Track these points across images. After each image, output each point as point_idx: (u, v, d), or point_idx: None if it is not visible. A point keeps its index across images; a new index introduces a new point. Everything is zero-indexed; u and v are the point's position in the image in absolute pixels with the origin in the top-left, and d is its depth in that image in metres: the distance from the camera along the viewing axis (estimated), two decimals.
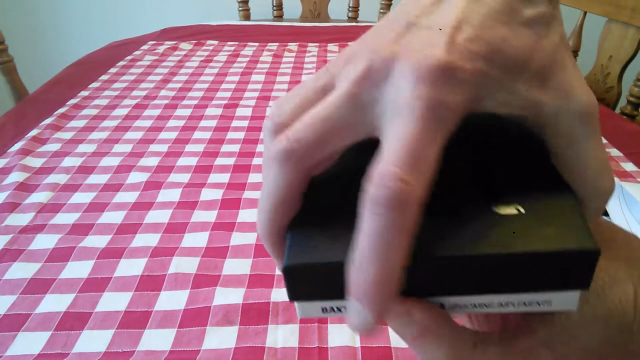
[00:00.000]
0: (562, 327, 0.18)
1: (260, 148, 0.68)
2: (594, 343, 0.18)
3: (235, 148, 0.68)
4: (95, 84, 0.91)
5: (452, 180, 0.19)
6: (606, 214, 0.51)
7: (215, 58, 1.05)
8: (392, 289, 0.15)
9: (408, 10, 0.18)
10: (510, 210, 0.17)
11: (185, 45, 1.13)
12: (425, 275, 0.17)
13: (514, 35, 0.17)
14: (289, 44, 1.15)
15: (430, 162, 0.15)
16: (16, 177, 0.60)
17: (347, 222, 0.17)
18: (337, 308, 0.18)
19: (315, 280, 0.17)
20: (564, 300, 0.17)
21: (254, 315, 0.41)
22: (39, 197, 0.56)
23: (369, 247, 0.15)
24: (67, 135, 0.72)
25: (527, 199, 0.17)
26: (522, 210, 0.17)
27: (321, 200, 0.19)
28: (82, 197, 0.57)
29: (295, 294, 0.18)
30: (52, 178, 0.60)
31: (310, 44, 1.15)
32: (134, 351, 0.38)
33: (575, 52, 1.12)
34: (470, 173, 0.19)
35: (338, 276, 0.16)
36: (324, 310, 0.18)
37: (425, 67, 0.16)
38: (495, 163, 0.20)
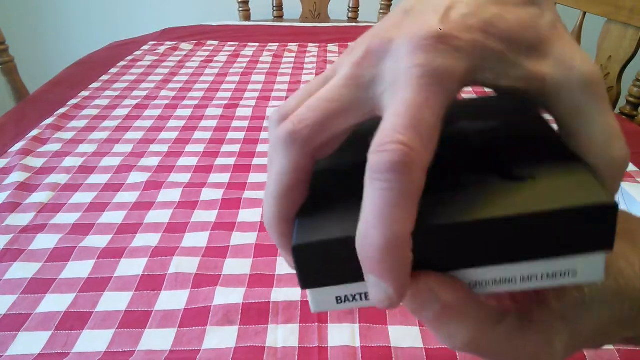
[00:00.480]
0: (576, 300, 0.18)
1: (260, 148, 0.69)
2: (606, 316, 0.18)
3: (236, 148, 0.68)
4: (95, 84, 0.91)
5: (461, 159, 0.19)
6: None
7: (215, 58, 1.05)
8: (405, 257, 0.15)
9: (406, 1, 0.19)
10: (521, 179, 0.17)
11: (186, 46, 1.13)
12: (442, 247, 0.16)
13: (508, 12, 0.17)
14: (289, 44, 1.15)
15: (430, 126, 0.15)
16: (17, 177, 0.60)
17: (355, 206, 0.16)
18: (352, 297, 0.17)
19: (327, 260, 0.17)
20: (590, 270, 0.16)
21: (254, 315, 0.41)
22: (40, 197, 0.57)
23: (374, 214, 0.15)
24: (68, 135, 0.72)
25: (538, 168, 0.17)
26: (534, 178, 0.17)
27: (328, 187, 0.19)
28: (83, 197, 0.57)
29: (307, 279, 0.17)
30: (53, 178, 0.60)
31: (310, 45, 1.15)
32: (135, 351, 0.38)
33: None
34: (479, 152, 0.19)
35: (351, 253, 0.16)
36: (338, 300, 0.17)
37: (419, 37, 0.16)
38: (503, 141, 0.19)
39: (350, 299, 0.17)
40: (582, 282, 0.17)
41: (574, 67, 0.17)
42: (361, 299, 0.17)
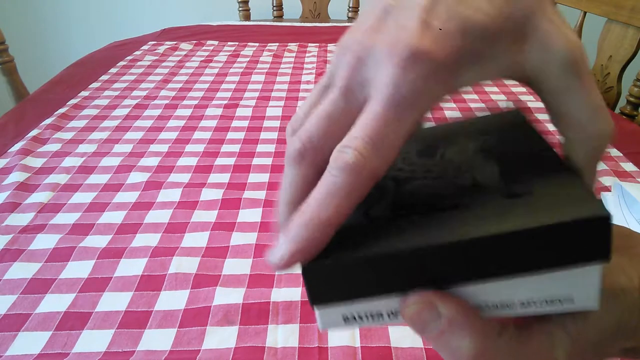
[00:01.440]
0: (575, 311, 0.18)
1: (260, 148, 0.69)
2: (606, 324, 0.18)
3: (236, 148, 0.68)
4: (95, 84, 0.91)
5: (459, 180, 0.19)
6: None
7: (215, 58, 1.05)
8: (317, 238, 0.16)
9: None
10: (518, 195, 0.17)
11: (186, 46, 1.13)
12: (441, 265, 0.17)
13: (487, 4, 0.17)
14: (289, 44, 1.15)
15: (390, 141, 0.17)
16: (16, 177, 0.60)
17: (364, 219, 0.17)
18: (359, 316, 0.18)
19: (336, 279, 0.17)
20: (586, 296, 0.17)
21: (254, 315, 0.41)
22: (40, 197, 0.57)
23: (315, 196, 0.17)
24: (68, 135, 0.72)
25: (534, 183, 0.18)
26: (531, 193, 0.17)
27: None
28: (83, 197, 0.57)
29: (317, 297, 0.18)
30: (53, 178, 0.60)
31: (310, 44, 1.15)
32: (134, 351, 0.38)
33: None
34: (477, 170, 0.19)
35: (359, 272, 0.17)
36: (345, 319, 0.18)
37: (397, 53, 0.16)
38: (500, 158, 0.20)
39: (357, 318, 0.18)
40: (579, 308, 0.17)
41: (553, 48, 0.17)
42: (367, 319, 0.18)
